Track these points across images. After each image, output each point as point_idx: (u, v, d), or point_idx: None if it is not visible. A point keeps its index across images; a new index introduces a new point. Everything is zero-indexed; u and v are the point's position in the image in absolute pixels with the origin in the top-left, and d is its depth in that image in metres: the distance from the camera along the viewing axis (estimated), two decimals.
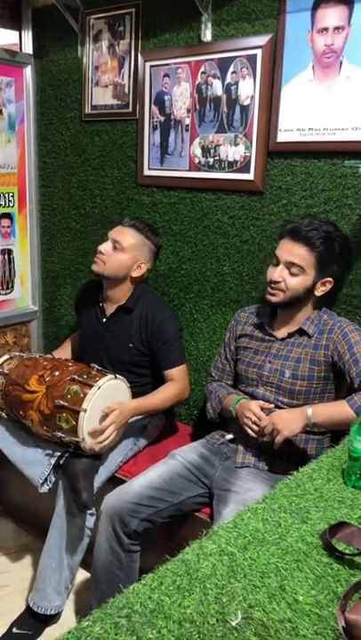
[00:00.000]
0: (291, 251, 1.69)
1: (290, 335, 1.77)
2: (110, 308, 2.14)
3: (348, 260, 1.81)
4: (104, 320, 2.15)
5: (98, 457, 1.87)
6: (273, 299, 1.74)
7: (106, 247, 2.08)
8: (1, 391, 1.98)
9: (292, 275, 1.70)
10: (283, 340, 1.78)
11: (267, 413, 1.67)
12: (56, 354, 2.34)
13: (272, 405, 1.71)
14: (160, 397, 1.98)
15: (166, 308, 2.13)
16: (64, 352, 2.39)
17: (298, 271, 1.69)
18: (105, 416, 1.83)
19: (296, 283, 1.70)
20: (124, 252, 2.06)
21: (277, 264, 1.73)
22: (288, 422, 1.59)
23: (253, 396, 1.79)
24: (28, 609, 1.85)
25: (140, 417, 2.00)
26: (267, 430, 1.62)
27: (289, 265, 1.70)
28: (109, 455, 1.93)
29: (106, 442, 1.80)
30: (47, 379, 1.88)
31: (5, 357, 2.09)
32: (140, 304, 2.08)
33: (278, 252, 1.73)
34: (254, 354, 1.83)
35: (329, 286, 1.75)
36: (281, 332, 1.79)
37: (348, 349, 1.64)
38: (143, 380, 2.11)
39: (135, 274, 2.09)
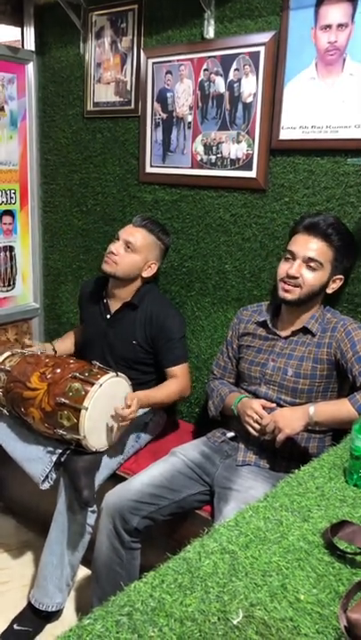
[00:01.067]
0: (309, 246, 1.69)
1: (294, 334, 1.76)
2: (115, 305, 2.14)
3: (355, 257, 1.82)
4: (108, 316, 2.15)
5: (99, 454, 1.87)
6: (288, 296, 1.71)
7: (117, 248, 2.07)
8: (2, 388, 1.98)
9: (310, 269, 1.69)
10: (286, 338, 1.78)
11: (268, 412, 1.66)
12: (57, 344, 2.35)
13: (274, 405, 1.70)
14: (163, 392, 1.99)
15: (171, 307, 2.13)
16: (65, 344, 2.39)
17: (316, 266, 1.68)
18: (111, 404, 1.84)
19: (313, 278, 1.69)
20: (136, 252, 2.06)
21: (292, 259, 1.71)
22: (290, 420, 1.59)
23: (256, 395, 1.79)
24: (30, 605, 1.85)
25: (141, 413, 2.00)
26: (268, 429, 1.62)
27: (307, 260, 1.68)
28: (111, 452, 1.93)
29: (129, 417, 1.81)
30: (49, 376, 1.88)
31: (7, 354, 2.09)
32: (145, 301, 2.09)
33: (294, 247, 1.71)
34: (257, 352, 1.83)
35: (340, 283, 1.75)
36: (285, 331, 1.79)
37: (350, 347, 1.63)
38: (146, 377, 2.11)
39: (146, 274, 2.10)
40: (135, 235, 2.07)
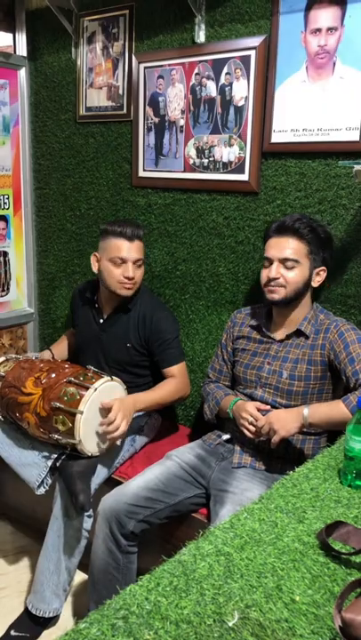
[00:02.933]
0: (281, 246, 1.71)
1: (288, 337, 1.77)
2: (108, 309, 2.14)
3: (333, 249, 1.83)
4: (101, 321, 2.15)
5: (94, 458, 1.87)
6: (275, 296, 1.73)
7: (132, 271, 2.01)
8: None
9: (288, 269, 1.71)
10: (281, 341, 1.78)
11: (263, 414, 1.67)
12: (54, 348, 2.35)
13: (269, 407, 1.71)
14: (160, 392, 1.98)
15: (163, 308, 2.13)
16: (61, 348, 2.39)
17: (293, 264, 1.70)
18: (105, 410, 1.83)
19: (295, 275, 1.71)
20: (143, 265, 2.07)
21: (270, 264, 1.74)
22: (285, 422, 1.59)
23: (252, 398, 1.79)
24: (26, 611, 1.85)
25: (138, 414, 2.00)
26: (263, 431, 1.62)
27: (283, 260, 1.71)
28: (106, 456, 1.93)
29: (117, 432, 1.79)
30: (43, 381, 1.88)
31: (1, 359, 2.09)
32: (138, 304, 2.09)
33: (269, 252, 1.74)
34: (253, 355, 1.83)
35: (323, 275, 1.76)
36: (279, 334, 1.80)
37: (344, 348, 1.64)
38: (142, 380, 2.11)
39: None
40: (139, 250, 2.03)
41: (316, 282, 1.76)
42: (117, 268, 2.01)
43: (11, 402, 1.92)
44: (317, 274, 1.75)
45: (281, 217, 1.96)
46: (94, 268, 2.08)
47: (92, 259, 2.09)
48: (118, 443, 1.90)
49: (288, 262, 1.70)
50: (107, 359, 2.12)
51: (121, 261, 2.00)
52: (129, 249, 2.00)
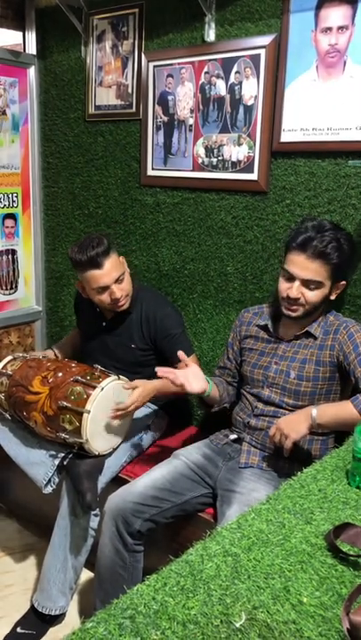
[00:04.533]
0: (306, 268, 1.65)
1: (296, 337, 1.76)
2: (109, 313, 2.12)
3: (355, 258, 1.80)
4: (104, 324, 2.14)
5: (101, 457, 1.87)
6: (293, 314, 1.70)
7: (118, 290, 1.97)
8: (4, 392, 1.99)
9: (310, 289, 1.67)
10: (289, 341, 1.77)
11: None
12: (58, 347, 2.35)
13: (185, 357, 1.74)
14: None
15: (165, 304, 2.12)
16: (65, 347, 2.39)
17: (316, 285, 1.66)
18: (113, 407, 1.84)
19: (315, 296, 1.67)
20: (125, 279, 2.01)
21: (291, 279, 1.68)
22: (294, 425, 1.58)
23: (259, 397, 1.79)
24: (33, 609, 1.85)
25: (145, 413, 1.99)
26: (275, 439, 1.61)
27: (306, 282, 1.66)
28: (113, 455, 1.93)
29: (128, 409, 1.82)
30: (50, 380, 1.88)
31: (9, 358, 2.09)
32: (139, 304, 2.07)
33: (291, 267, 1.67)
34: (260, 355, 1.82)
35: (342, 288, 1.74)
36: (287, 335, 1.79)
37: (353, 350, 1.63)
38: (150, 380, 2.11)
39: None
40: (113, 267, 1.96)
41: (335, 294, 1.73)
42: (103, 294, 1.98)
43: (18, 401, 1.92)
44: (337, 287, 1.73)
45: (290, 217, 1.96)
46: (84, 295, 2.07)
47: (78, 286, 2.07)
48: (127, 414, 1.89)
49: (312, 284, 1.66)
50: (112, 360, 2.11)
51: (102, 289, 1.97)
52: (102, 275, 1.94)
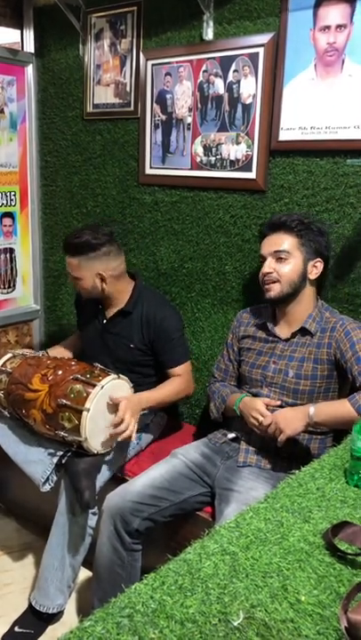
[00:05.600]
0: (272, 242, 1.75)
1: (293, 335, 1.76)
2: (110, 311, 2.12)
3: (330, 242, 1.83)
4: (104, 322, 2.14)
5: (100, 456, 1.87)
6: (271, 293, 1.75)
7: (77, 286, 2.07)
8: (4, 390, 1.98)
9: (281, 261, 1.72)
10: (286, 340, 1.78)
11: (272, 411, 1.67)
12: (51, 352, 2.31)
13: (278, 402, 1.70)
14: (165, 391, 1.99)
15: (166, 306, 2.12)
16: (59, 349, 2.37)
17: (285, 256, 1.72)
18: (112, 407, 1.83)
19: (288, 269, 1.72)
20: (81, 280, 2.02)
21: (264, 261, 1.77)
22: (290, 421, 1.59)
23: (258, 397, 1.78)
24: (31, 607, 1.85)
25: (144, 412, 1.99)
26: (270, 430, 1.62)
27: (274, 255, 1.74)
28: (111, 454, 1.93)
29: (127, 432, 1.79)
30: (50, 377, 1.88)
31: (8, 356, 2.09)
32: (140, 305, 2.07)
33: (261, 250, 1.78)
34: (258, 355, 1.82)
35: (320, 267, 1.76)
36: (284, 333, 1.79)
37: (350, 347, 1.63)
38: (147, 379, 2.11)
39: (110, 280, 2.03)
40: (72, 264, 2.01)
41: (314, 274, 1.76)
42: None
43: (17, 398, 1.92)
44: (314, 266, 1.75)
45: None
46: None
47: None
48: (134, 439, 1.88)
49: (280, 255, 1.72)
50: (111, 360, 2.11)
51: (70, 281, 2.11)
52: (67, 263, 2.05)
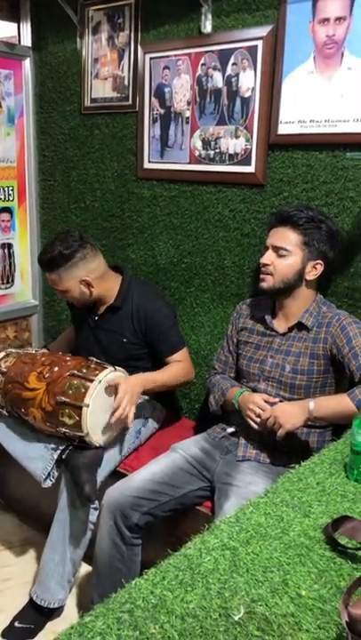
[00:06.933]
0: (276, 235, 1.75)
1: (290, 329, 1.76)
2: (100, 308, 2.12)
3: (340, 243, 1.80)
4: (96, 318, 2.13)
5: (100, 450, 1.87)
6: (263, 284, 1.76)
7: (64, 295, 2.09)
8: (0, 390, 1.98)
9: (280, 257, 1.72)
10: (284, 334, 1.77)
11: (271, 406, 1.66)
12: (52, 347, 2.33)
13: (277, 399, 1.70)
14: (167, 374, 1.99)
15: (156, 297, 2.10)
16: (58, 346, 2.37)
17: (285, 253, 1.72)
18: (111, 389, 1.84)
19: (284, 265, 1.71)
20: (69, 291, 2.03)
21: (267, 250, 1.77)
22: (290, 416, 1.59)
23: (255, 391, 1.78)
24: (31, 602, 1.85)
25: (142, 407, 1.99)
26: (269, 423, 1.62)
27: (275, 248, 1.73)
28: (111, 448, 1.93)
29: (129, 417, 1.81)
30: (46, 375, 1.87)
31: (2, 355, 2.08)
32: (129, 298, 2.06)
33: (268, 240, 1.78)
34: (256, 348, 1.82)
35: (320, 269, 1.75)
36: (281, 327, 1.79)
37: (346, 343, 1.63)
38: (143, 372, 2.10)
39: (95, 284, 2.02)
40: (53, 280, 2.03)
41: (311, 275, 1.74)
42: None
43: (15, 397, 1.92)
44: (313, 267, 1.74)
45: None
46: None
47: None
48: (130, 425, 1.88)
49: (280, 250, 1.72)
50: (106, 356, 2.10)
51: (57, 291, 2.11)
52: (50, 280, 2.05)
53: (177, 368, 2.02)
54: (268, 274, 1.74)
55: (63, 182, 2.66)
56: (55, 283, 2.03)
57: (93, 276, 2.01)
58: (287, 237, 1.72)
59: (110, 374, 1.86)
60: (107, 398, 1.84)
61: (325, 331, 1.70)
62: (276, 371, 1.74)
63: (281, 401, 1.71)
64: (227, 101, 2.03)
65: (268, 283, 1.75)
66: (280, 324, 1.80)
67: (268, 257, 1.74)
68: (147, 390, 1.94)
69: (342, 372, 1.68)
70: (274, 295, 1.78)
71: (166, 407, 2.26)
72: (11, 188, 2.66)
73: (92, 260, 2.01)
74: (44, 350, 2.30)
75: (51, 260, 1.98)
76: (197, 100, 2.11)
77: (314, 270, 1.74)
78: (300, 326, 1.75)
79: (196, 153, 2.15)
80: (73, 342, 2.35)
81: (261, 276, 1.77)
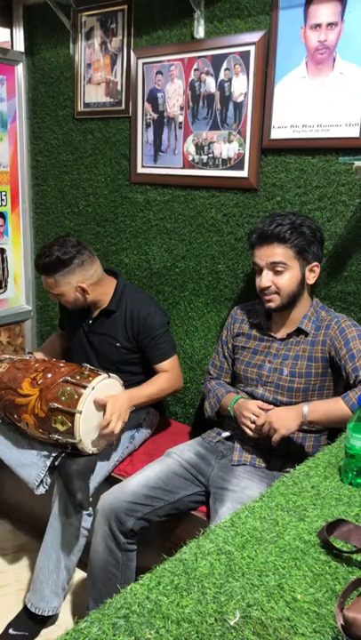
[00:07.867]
0: (265, 254, 1.69)
1: (289, 336, 1.76)
2: (94, 312, 2.11)
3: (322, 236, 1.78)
4: (90, 322, 2.13)
5: (93, 457, 1.86)
6: (272, 305, 1.72)
7: (56, 299, 2.11)
8: None
9: (278, 273, 1.69)
10: (282, 340, 1.77)
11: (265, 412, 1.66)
12: (37, 354, 2.28)
13: (271, 406, 1.70)
14: (154, 387, 1.99)
15: (149, 302, 2.09)
16: (49, 350, 2.34)
17: (282, 268, 1.68)
18: (100, 407, 1.83)
19: (286, 280, 1.69)
20: (64, 295, 2.02)
21: (260, 271, 1.72)
22: (284, 421, 1.59)
23: (253, 396, 1.78)
24: (25, 610, 1.84)
25: (136, 413, 1.99)
26: (264, 429, 1.62)
27: (271, 266, 1.69)
28: (105, 455, 1.92)
29: (115, 433, 1.81)
30: (40, 381, 1.86)
31: None
32: (123, 303, 2.05)
33: (256, 260, 1.73)
34: (253, 353, 1.82)
35: (318, 270, 1.75)
36: (280, 333, 1.79)
37: (344, 345, 1.63)
38: (135, 378, 2.10)
39: (91, 290, 2.02)
40: (49, 284, 2.02)
41: (312, 278, 1.74)
42: None
43: (8, 404, 1.91)
44: (311, 270, 1.73)
45: None
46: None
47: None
48: (113, 441, 1.90)
49: (277, 267, 1.68)
50: (99, 360, 2.10)
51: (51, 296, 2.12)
52: (46, 284, 2.04)
53: (162, 380, 2.01)
54: (272, 294, 1.71)
55: (56, 187, 2.66)
56: (50, 286, 2.02)
57: (89, 282, 2.00)
58: (278, 253, 1.68)
59: (105, 381, 1.85)
60: (99, 406, 1.83)
61: (324, 333, 1.70)
62: (275, 375, 1.74)
63: (277, 404, 1.71)
64: (220, 106, 2.04)
65: (275, 302, 1.71)
66: (277, 330, 1.80)
67: (267, 278, 1.70)
68: (135, 406, 1.94)
69: (340, 374, 1.68)
70: (280, 311, 1.75)
71: (160, 412, 2.25)
72: (4, 193, 2.65)
73: (90, 266, 2.01)
74: (31, 355, 2.28)
75: (48, 264, 1.97)
76: (190, 104, 2.12)
77: (313, 273, 1.74)
78: (298, 331, 1.75)
79: (190, 158, 2.16)
80: (61, 347, 2.34)
81: (266, 298, 1.72)
